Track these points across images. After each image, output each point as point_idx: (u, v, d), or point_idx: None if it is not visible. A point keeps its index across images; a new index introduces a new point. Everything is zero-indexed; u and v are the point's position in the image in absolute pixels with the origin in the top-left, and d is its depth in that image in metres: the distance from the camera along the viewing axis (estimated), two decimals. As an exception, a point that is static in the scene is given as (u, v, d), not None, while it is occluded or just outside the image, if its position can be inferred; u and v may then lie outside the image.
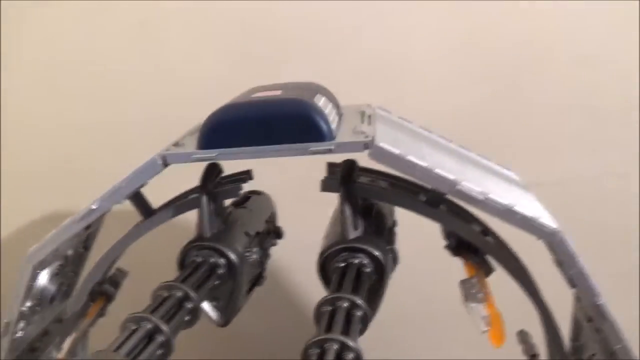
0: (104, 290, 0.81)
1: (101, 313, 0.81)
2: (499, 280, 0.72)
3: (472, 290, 0.67)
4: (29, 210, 1.30)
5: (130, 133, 1.27)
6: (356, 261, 0.67)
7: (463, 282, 0.68)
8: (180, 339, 0.63)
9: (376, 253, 0.68)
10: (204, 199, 0.74)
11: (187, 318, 0.67)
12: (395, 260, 0.74)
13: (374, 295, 0.69)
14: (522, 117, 1.22)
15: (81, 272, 0.85)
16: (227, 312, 0.77)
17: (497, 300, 0.67)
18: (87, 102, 1.26)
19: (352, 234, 0.69)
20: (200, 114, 0.70)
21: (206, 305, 0.77)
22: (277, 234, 0.90)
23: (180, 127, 0.78)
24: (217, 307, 0.77)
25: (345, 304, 0.60)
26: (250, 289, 0.80)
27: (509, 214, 0.62)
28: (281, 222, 0.92)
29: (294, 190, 1.13)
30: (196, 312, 0.67)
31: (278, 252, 0.90)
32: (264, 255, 0.82)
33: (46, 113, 1.22)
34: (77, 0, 1.19)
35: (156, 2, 1.17)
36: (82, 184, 1.08)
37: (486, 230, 0.73)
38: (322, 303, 0.61)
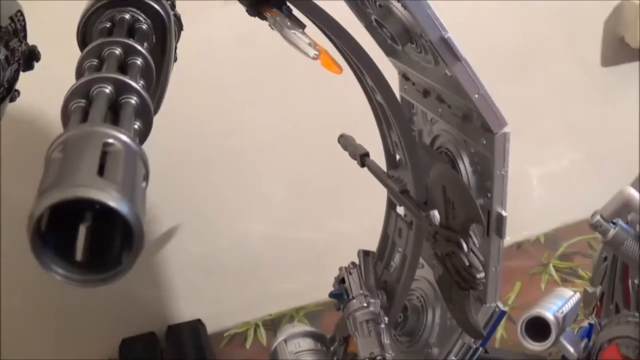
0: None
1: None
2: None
3: (287, 24, 0.55)
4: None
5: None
6: (127, 16, 0.52)
7: (272, 19, 0.55)
8: None
9: (153, 3, 0.53)
10: None
11: None
12: (179, 25, 0.60)
13: (159, 65, 0.55)
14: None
15: None
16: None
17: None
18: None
19: (118, -14, 0.53)
20: None
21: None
22: (31, 52, 0.72)
23: None
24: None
25: (117, 50, 0.46)
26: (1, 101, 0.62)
27: None
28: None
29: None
30: None
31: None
32: (13, 58, 0.64)
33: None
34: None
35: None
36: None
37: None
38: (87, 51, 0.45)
